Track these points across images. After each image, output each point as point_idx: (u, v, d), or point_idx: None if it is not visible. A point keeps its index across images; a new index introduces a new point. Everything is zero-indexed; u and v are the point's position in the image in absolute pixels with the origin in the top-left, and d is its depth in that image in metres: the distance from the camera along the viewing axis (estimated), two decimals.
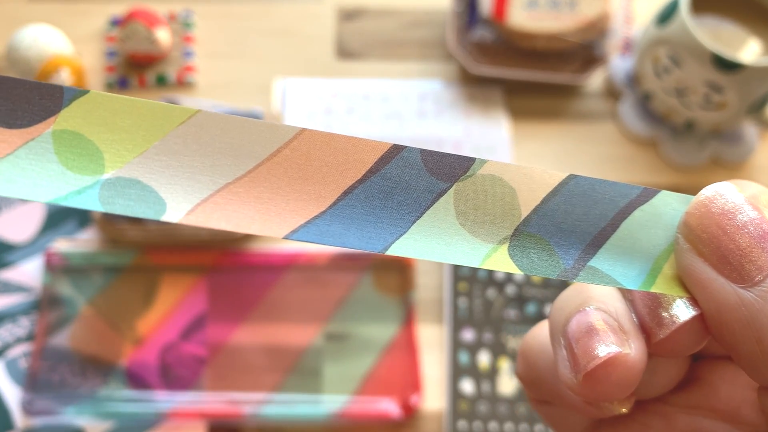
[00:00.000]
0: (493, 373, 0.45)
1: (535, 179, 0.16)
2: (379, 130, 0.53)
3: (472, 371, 0.45)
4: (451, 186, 0.16)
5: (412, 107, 0.54)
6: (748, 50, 0.50)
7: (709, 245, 0.15)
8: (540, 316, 0.46)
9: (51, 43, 0.50)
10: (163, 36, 0.53)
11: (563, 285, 0.47)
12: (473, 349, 0.46)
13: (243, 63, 0.55)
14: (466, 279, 0.47)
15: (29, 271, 0.47)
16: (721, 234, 0.15)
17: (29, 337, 0.45)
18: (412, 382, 0.44)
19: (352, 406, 0.43)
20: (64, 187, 0.15)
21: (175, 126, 0.15)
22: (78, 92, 0.15)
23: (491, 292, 0.47)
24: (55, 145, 0.15)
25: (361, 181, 0.16)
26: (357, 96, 0.54)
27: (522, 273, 0.16)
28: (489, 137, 0.53)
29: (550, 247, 0.16)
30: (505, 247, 0.16)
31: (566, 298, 0.18)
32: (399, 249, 0.15)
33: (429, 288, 0.48)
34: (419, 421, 0.44)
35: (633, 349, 0.16)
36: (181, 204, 0.15)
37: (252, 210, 0.15)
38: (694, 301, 0.16)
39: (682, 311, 0.16)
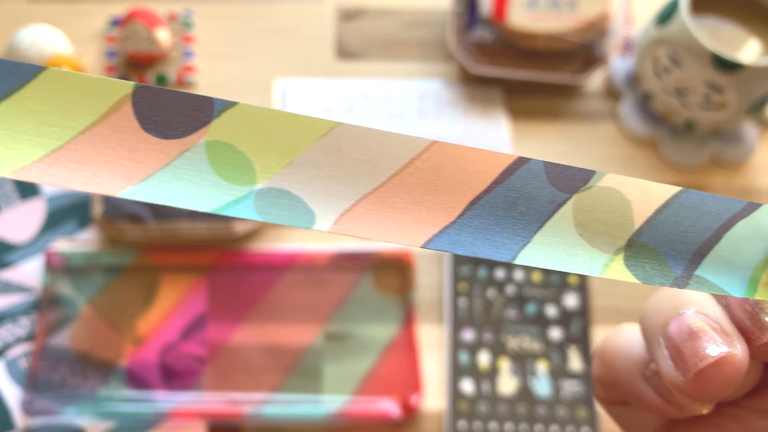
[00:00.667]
0: (493, 373, 0.45)
1: (650, 192, 0.17)
2: None
3: (472, 371, 0.45)
4: (571, 197, 0.17)
5: (412, 107, 0.54)
6: (748, 50, 0.50)
7: None
8: (539, 316, 0.47)
9: (51, 43, 0.50)
10: (163, 36, 0.53)
11: (563, 285, 0.47)
12: (473, 349, 0.46)
13: (243, 63, 0.55)
14: (466, 279, 0.47)
15: (29, 271, 0.47)
16: None
17: (29, 337, 0.45)
18: (412, 382, 0.44)
19: (352, 406, 0.43)
20: (222, 197, 0.15)
21: (318, 138, 0.16)
22: (228, 104, 0.16)
23: (491, 292, 0.47)
24: (209, 155, 0.16)
25: (486, 191, 0.16)
26: (357, 96, 0.54)
27: (639, 282, 0.16)
28: (489, 137, 0.53)
29: (661, 256, 0.17)
30: (621, 257, 0.17)
31: (660, 301, 0.18)
32: (525, 258, 0.16)
33: (429, 288, 0.48)
34: (419, 421, 0.44)
35: (739, 350, 0.16)
36: (327, 214, 0.16)
37: (390, 220, 0.16)
38: None
39: None
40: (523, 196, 0.16)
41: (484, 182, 0.16)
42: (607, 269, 0.16)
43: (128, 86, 0.15)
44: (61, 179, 0.15)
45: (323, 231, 0.16)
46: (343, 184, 0.16)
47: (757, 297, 0.17)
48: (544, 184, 0.16)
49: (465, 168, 0.16)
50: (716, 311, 0.17)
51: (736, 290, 0.17)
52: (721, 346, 0.16)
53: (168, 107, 0.16)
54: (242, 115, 0.16)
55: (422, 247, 0.16)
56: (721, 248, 0.17)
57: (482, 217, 0.16)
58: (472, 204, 0.16)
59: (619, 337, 0.20)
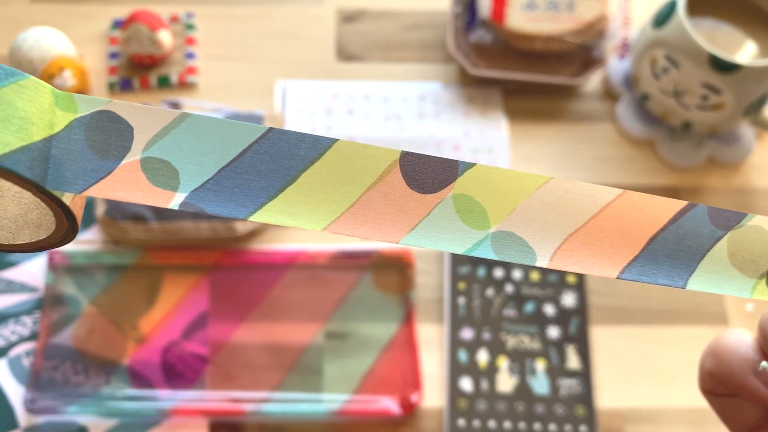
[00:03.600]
0: (491, 372, 0.46)
1: None
2: (379, 131, 0.53)
3: (471, 369, 0.46)
4: (726, 233, 0.20)
5: (412, 108, 0.54)
6: (745, 52, 0.51)
7: None
8: (538, 315, 0.47)
9: (54, 44, 0.51)
10: (165, 38, 0.53)
11: (561, 284, 0.48)
12: (472, 347, 0.46)
13: (244, 65, 0.56)
14: (465, 278, 0.48)
15: (32, 271, 0.47)
16: None
17: (32, 336, 0.46)
18: (412, 381, 0.45)
19: (352, 404, 0.44)
20: (468, 241, 0.20)
21: (535, 189, 0.20)
22: (468, 164, 0.20)
23: (490, 292, 0.48)
24: (455, 205, 0.20)
25: (662, 229, 0.20)
26: (357, 97, 0.55)
27: None
28: (488, 138, 0.53)
29: None
30: (764, 281, 0.20)
31: None
32: (693, 285, 0.20)
33: (429, 287, 0.48)
34: (419, 418, 0.45)
35: None
36: (544, 251, 0.20)
37: (589, 255, 0.20)
38: None
39: None
40: (690, 233, 0.20)
41: (661, 222, 0.20)
42: (755, 291, 0.20)
43: (396, 153, 0.19)
44: (357, 232, 0.19)
45: (543, 266, 0.20)
46: (553, 226, 0.20)
47: None
48: (706, 223, 0.20)
49: (646, 212, 0.20)
50: None
51: None
52: None
53: (425, 168, 0.20)
54: (479, 173, 0.20)
55: (617, 278, 0.20)
56: None
57: (659, 251, 0.20)
58: (652, 240, 0.20)
59: (730, 338, 0.24)
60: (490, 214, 0.20)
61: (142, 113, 0.19)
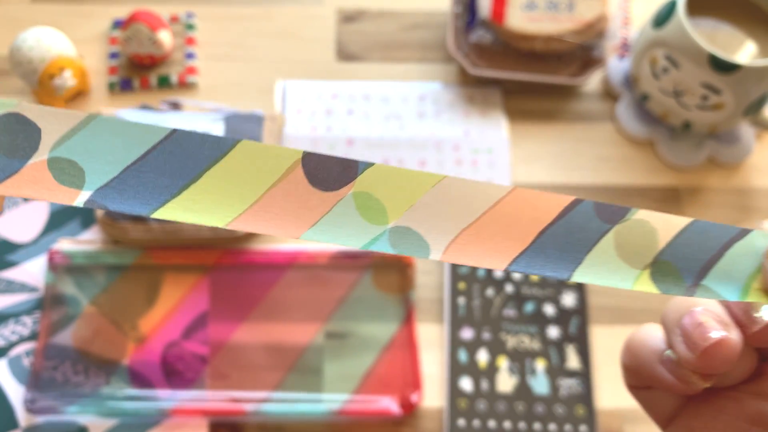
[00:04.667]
0: (491, 371, 0.46)
1: (670, 222, 0.22)
2: (379, 131, 0.53)
3: (471, 369, 0.46)
4: (613, 227, 0.21)
5: (412, 108, 0.54)
6: (745, 52, 0.51)
7: None
8: (538, 315, 0.47)
9: (54, 44, 0.51)
10: (165, 38, 0.53)
11: (561, 284, 0.48)
12: (472, 347, 0.46)
13: (244, 65, 0.56)
14: (465, 278, 0.48)
15: (33, 271, 0.47)
16: None
17: (32, 336, 0.46)
18: (412, 380, 0.45)
19: (352, 403, 0.44)
20: (366, 235, 0.21)
21: (430, 186, 0.21)
22: (367, 164, 0.21)
23: (490, 291, 0.48)
24: (356, 202, 0.21)
25: (551, 224, 0.21)
26: (357, 97, 0.55)
27: (660, 293, 0.21)
28: (488, 138, 0.53)
29: (677, 270, 0.22)
30: (647, 272, 0.21)
31: (678, 302, 0.23)
32: (579, 276, 0.21)
33: (429, 287, 0.48)
34: (419, 418, 0.45)
35: (734, 335, 0.22)
36: (437, 245, 0.21)
37: (480, 248, 0.21)
38: None
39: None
40: (578, 227, 0.21)
41: (550, 217, 0.21)
42: (637, 282, 0.21)
43: (299, 153, 0.20)
44: (259, 227, 0.20)
45: (436, 260, 0.20)
46: (447, 221, 0.21)
47: (749, 299, 0.21)
48: (593, 217, 0.21)
49: (536, 207, 0.21)
50: (718, 308, 0.23)
51: (732, 296, 0.21)
52: (721, 332, 0.21)
53: (326, 167, 0.20)
54: (377, 172, 0.21)
55: (505, 270, 0.20)
56: (722, 263, 0.22)
57: (547, 244, 0.21)
58: (541, 233, 0.21)
59: (641, 332, 0.25)
60: (389, 210, 0.21)
61: (50, 116, 0.20)
